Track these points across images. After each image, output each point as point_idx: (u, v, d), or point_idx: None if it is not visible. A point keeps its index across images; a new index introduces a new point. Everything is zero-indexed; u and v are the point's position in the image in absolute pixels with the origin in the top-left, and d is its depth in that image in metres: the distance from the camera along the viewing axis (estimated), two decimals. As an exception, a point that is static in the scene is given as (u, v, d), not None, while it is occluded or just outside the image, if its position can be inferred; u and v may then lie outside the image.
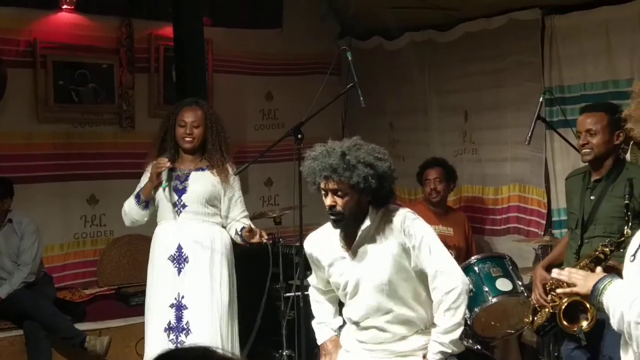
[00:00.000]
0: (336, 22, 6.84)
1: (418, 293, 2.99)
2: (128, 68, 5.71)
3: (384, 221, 2.95)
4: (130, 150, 5.73)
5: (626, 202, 3.09)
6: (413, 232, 2.90)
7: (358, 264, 2.97)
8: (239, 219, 4.17)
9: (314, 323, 3.30)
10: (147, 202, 4.09)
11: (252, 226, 4.11)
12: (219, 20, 6.08)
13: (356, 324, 3.06)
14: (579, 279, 2.20)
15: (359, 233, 2.93)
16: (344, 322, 3.19)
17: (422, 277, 2.97)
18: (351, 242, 2.98)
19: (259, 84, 6.54)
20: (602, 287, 2.08)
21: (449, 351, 2.94)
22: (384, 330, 3.00)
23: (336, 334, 3.22)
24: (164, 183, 4.00)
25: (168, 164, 3.97)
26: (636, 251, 1.92)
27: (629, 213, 3.06)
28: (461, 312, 2.93)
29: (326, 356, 3.20)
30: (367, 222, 2.91)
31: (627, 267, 1.99)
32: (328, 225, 3.04)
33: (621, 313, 1.93)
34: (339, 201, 2.85)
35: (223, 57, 6.21)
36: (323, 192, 2.91)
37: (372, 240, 2.95)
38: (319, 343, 3.27)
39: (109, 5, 5.64)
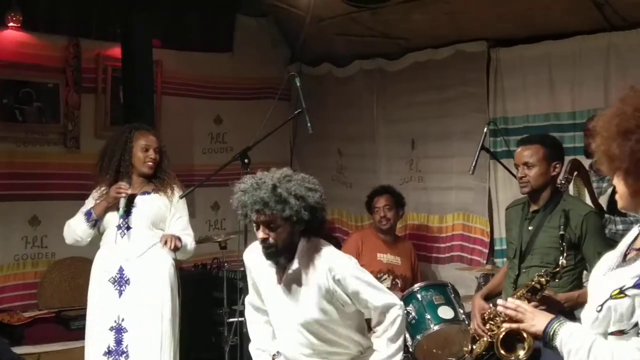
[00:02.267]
0: (287, 47, 6.90)
1: (344, 331, 3.00)
2: (75, 88, 5.64)
3: (313, 262, 2.92)
4: (74, 171, 5.64)
5: (561, 232, 3.15)
6: (345, 279, 2.88)
7: (287, 299, 2.97)
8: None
9: (251, 347, 3.26)
10: (97, 221, 4.04)
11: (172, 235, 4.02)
12: (169, 42, 6.07)
13: (284, 357, 3.08)
14: (526, 316, 2.20)
15: (288, 270, 2.93)
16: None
17: (349, 315, 2.98)
18: (281, 276, 2.97)
19: (208, 108, 6.53)
20: (552, 332, 2.07)
21: None
22: None
23: None
24: (121, 210, 3.94)
25: (128, 191, 3.94)
26: (604, 302, 1.92)
27: (563, 244, 3.13)
28: (402, 337, 2.99)
29: None
30: (295, 263, 2.90)
31: (589, 315, 1.97)
32: None
33: None
34: (272, 234, 2.83)
35: (172, 80, 6.19)
36: (254, 225, 2.89)
37: (300, 280, 2.93)
38: None
39: (56, 24, 5.57)
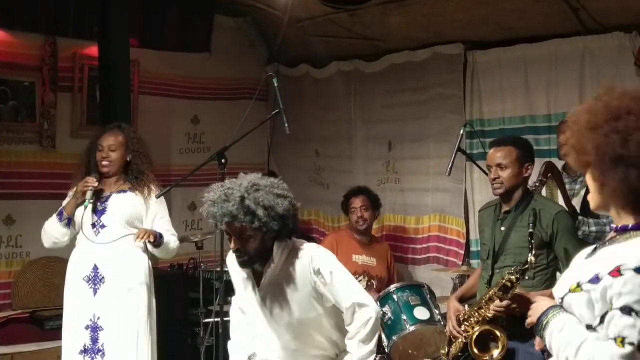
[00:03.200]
0: (265, 48, 6.89)
1: (326, 329, 3.02)
2: (51, 87, 5.59)
3: (291, 260, 2.93)
4: (50, 170, 5.59)
5: (530, 230, 3.19)
6: (323, 270, 2.89)
7: (268, 302, 2.98)
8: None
9: (230, 345, 3.25)
10: (69, 219, 4.03)
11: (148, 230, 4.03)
12: (146, 42, 6.04)
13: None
14: (532, 309, 2.10)
15: (265, 274, 2.94)
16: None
17: (329, 311, 2.99)
18: (259, 281, 2.98)
19: (185, 107, 6.51)
20: (545, 321, 2.00)
21: None
22: None
23: None
24: (86, 202, 3.93)
25: (95, 184, 3.95)
26: (564, 296, 1.93)
27: (532, 241, 3.16)
28: (375, 339, 2.97)
29: None
30: (272, 263, 2.91)
31: (579, 296, 1.92)
32: None
33: (566, 358, 1.90)
34: (244, 244, 2.84)
35: (150, 79, 6.16)
36: (227, 235, 2.90)
37: (279, 280, 2.93)
38: None
39: (33, 23, 5.51)
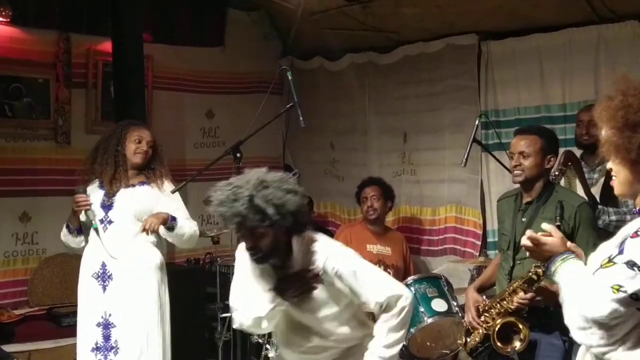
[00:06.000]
0: (279, 41, 6.88)
1: (347, 316, 2.95)
2: (65, 83, 5.60)
3: (309, 255, 2.86)
4: (65, 166, 5.59)
5: (557, 224, 3.15)
6: (343, 272, 2.83)
7: (289, 307, 2.91)
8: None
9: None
10: (78, 229, 4.03)
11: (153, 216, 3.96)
12: (159, 37, 6.04)
13: (289, 352, 3.07)
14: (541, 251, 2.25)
15: (286, 267, 2.87)
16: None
17: (348, 304, 2.92)
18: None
19: (199, 102, 6.51)
20: (554, 268, 2.16)
21: None
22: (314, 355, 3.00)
23: None
24: (94, 224, 3.92)
25: (89, 203, 3.92)
26: (595, 272, 1.99)
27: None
28: (405, 329, 2.91)
29: None
30: (293, 257, 2.86)
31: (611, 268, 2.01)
32: None
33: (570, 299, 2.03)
34: (257, 243, 2.77)
35: (163, 74, 6.17)
36: (237, 234, 2.84)
37: None
38: None
39: (46, 19, 5.53)
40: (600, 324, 1.94)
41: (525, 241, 2.26)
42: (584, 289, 1.98)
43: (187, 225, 4.06)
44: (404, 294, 2.87)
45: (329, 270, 2.82)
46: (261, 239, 2.74)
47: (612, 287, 1.90)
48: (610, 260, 1.95)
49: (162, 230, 3.99)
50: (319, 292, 2.85)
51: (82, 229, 4.05)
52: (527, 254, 2.34)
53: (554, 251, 2.19)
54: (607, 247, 2.05)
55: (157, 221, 3.93)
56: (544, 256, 2.22)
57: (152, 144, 4.07)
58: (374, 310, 2.90)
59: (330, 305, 2.88)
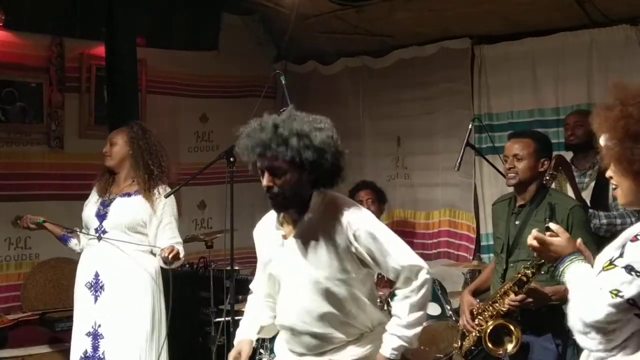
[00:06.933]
0: (272, 45, 6.88)
1: (357, 297, 2.72)
2: (58, 87, 5.59)
3: (330, 214, 2.66)
4: (58, 171, 5.60)
5: (546, 225, 3.16)
6: (363, 236, 2.63)
7: (296, 256, 2.71)
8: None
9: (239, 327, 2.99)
10: (63, 238, 4.10)
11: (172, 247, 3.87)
12: (153, 41, 6.03)
13: (290, 330, 2.79)
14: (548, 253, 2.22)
15: (300, 223, 2.68)
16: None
17: (364, 281, 2.74)
18: (291, 231, 2.73)
19: (193, 106, 6.50)
20: (562, 268, 2.14)
21: (409, 346, 2.72)
22: (319, 337, 2.72)
23: (254, 337, 2.93)
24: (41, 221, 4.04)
25: (28, 222, 4.03)
26: (598, 274, 1.98)
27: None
28: (426, 306, 2.76)
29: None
30: (309, 214, 2.65)
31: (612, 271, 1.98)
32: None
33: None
34: (277, 181, 2.59)
35: (157, 78, 6.15)
36: (259, 172, 2.63)
37: (315, 233, 2.67)
38: (235, 342, 2.94)
39: (40, 24, 5.52)
40: (598, 329, 1.93)
41: (531, 241, 2.23)
42: (585, 292, 1.98)
43: (181, 251, 3.93)
44: (425, 266, 2.70)
45: (350, 231, 2.63)
46: (282, 176, 2.58)
47: (610, 292, 1.89)
48: (611, 262, 1.94)
49: (161, 261, 3.92)
50: (333, 249, 2.65)
51: (66, 236, 4.08)
52: (535, 254, 2.30)
53: (562, 252, 2.17)
54: (610, 249, 2.05)
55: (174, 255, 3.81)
56: (552, 257, 2.20)
57: (116, 141, 4.00)
58: (393, 279, 2.72)
59: (340, 269, 2.67)
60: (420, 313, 2.70)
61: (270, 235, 2.81)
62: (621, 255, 1.92)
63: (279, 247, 2.76)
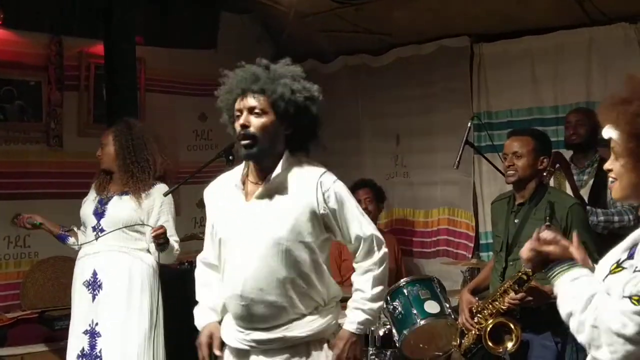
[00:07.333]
0: (271, 44, 6.87)
1: (318, 264, 2.63)
2: (57, 86, 5.59)
3: (299, 174, 2.63)
4: (57, 169, 5.59)
5: (546, 224, 3.17)
6: (332, 196, 2.59)
7: (257, 217, 2.59)
8: None
9: (196, 309, 2.87)
10: (60, 237, 4.11)
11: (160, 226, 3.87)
12: (152, 40, 6.02)
13: (241, 299, 2.58)
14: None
15: (268, 180, 2.59)
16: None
17: (323, 247, 2.66)
18: (254, 190, 2.64)
19: (192, 105, 6.49)
20: (555, 272, 1.98)
21: (373, 320, 2.71)
22: (274, 307, 2.57)
23: (219, 317, 2.81)
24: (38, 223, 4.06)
25: (24, 222, 4.06)
26: (605, 278, 1.92)
27: None
28: (387, 281, 2.72)
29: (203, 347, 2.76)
30: (278, 169, 2.58)
31: (620, 274, 1.89)
32: (235, 170, 2.77)
33: (570, 312, 1.89)
34: (255, 121, 2.54)
35: (156, 77, 6.15)
36: (237, 114, 2.58)
37: (281, 192, 2.59)
38: (199, 328, 2.83)
39: (38, 22, 5.51)
40: (627, 339, 1.76)
41: (527, 254, 2.09)
42: (596, 298, 1.85)
43: (175, 247, 3.99)
44: (384, 241, 2.70)
45: (320, 191, 2.59)
46: (261, 116, 2.55)
47: (630, 299, 1.76)
48: (618, 265, 1.90)
49: (152, 247, 3.94)
50: (298, 208, 2.58)
51: (64, 235, 4.10)
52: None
53: (557, 259, 2.03)
54: (615, 252, 2.02)
55: (162, 234, 3.83)
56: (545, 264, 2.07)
57: (106, 143, 3.99)
58: (352, 250, 2.68)
59: (303, 230, 2.58)
60: (382, 287, 2.66)
61: (227, 194, 2.70)
62: (631, 257, 1.86)
63: (237, 207, 2.65)
